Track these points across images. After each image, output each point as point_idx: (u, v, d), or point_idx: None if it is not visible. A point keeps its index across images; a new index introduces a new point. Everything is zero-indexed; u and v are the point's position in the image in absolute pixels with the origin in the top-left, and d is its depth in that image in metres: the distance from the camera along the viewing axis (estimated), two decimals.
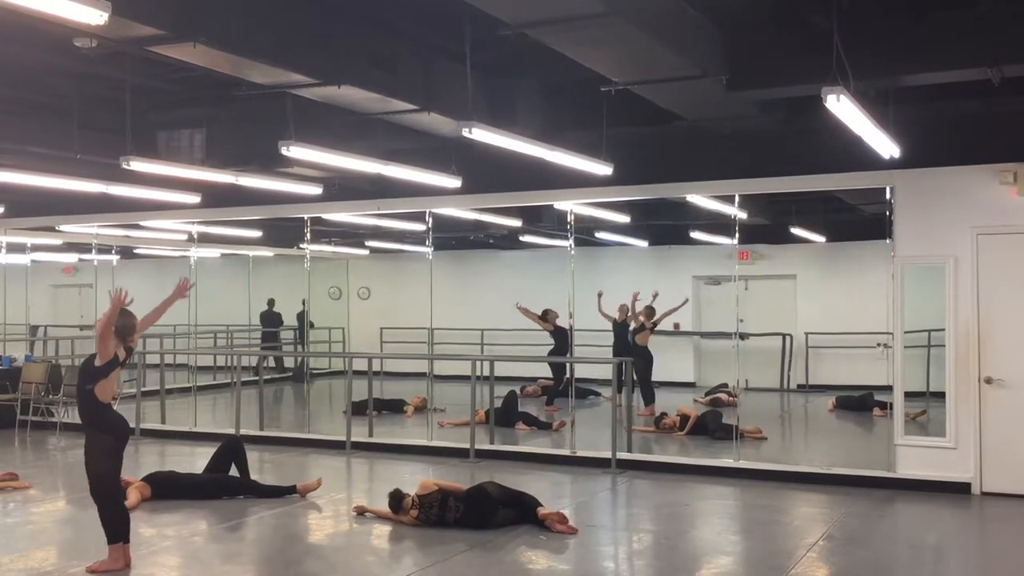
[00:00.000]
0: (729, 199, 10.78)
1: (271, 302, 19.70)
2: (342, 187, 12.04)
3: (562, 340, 14.41)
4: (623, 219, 14.87)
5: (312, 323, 19.44)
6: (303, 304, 19.52)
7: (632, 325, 14.26)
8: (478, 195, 11.42)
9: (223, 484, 8.84)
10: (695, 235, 16.37)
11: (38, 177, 10.58)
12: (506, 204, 12.53)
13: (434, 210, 12.10)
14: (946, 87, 8.07)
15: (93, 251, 15.29)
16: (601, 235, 16.71)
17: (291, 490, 8.82)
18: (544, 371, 16.15)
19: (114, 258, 16.50)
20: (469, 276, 19.69)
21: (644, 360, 14.00)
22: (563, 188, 10.73)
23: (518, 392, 14.43)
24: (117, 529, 6.45)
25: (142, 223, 14.54)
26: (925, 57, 7.30)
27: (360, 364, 13.35)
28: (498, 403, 12.38)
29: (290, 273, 17.32)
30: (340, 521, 8.20)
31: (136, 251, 18.84)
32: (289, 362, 19.53)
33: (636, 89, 7.79)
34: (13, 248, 15.55)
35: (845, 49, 6.55)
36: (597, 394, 15.34)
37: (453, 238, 17.74)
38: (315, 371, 17.88)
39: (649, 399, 13.95)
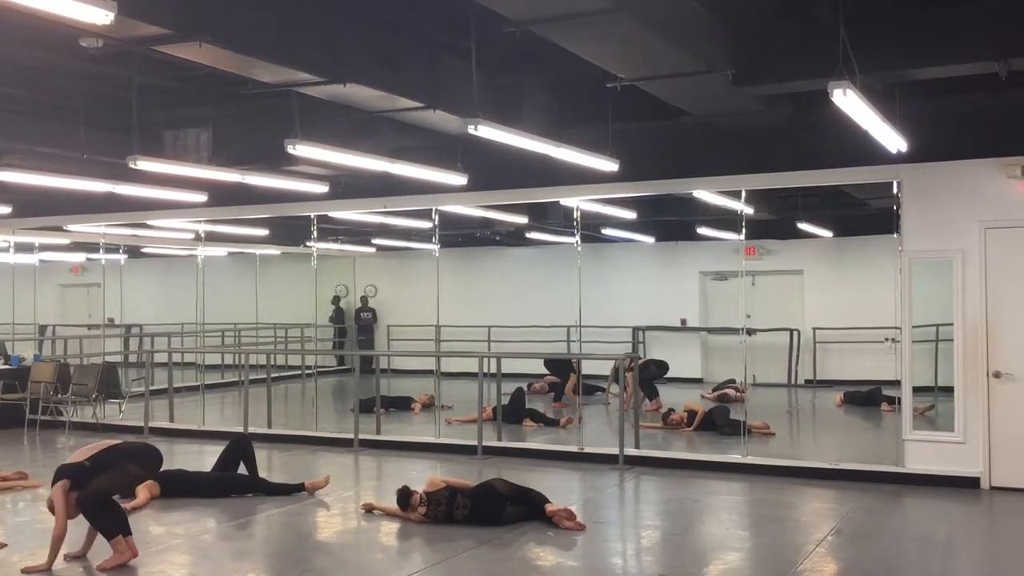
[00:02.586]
0: (736, 194, 10.78)
1: (337, 299, 20.17)
2: (348, 185, 12.06)
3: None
4: (629, 215, 14.88)
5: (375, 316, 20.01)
6: (362, 301, 20.13)
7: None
8: (484, 192, 11.42)
9: (232, 482, 8.86)
10: (702, 231, 16.38)
11: (45, 177, 10.61)
12: (512, 201, 12.54)
13: (440, 207, 12.10)
14: (954, 81, 8.03)
15: (101, 250, 15.32)
16: (607, 231, 16.70)
17: (299, 488, 8.83)
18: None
19: (121, 257, 16.56)
20: (476, 273, 19.70)
21: (657, 366, 14.33)
22: (569, 185, 10.72)
23: (525, 389, 14.47)
24: (113, 526, 6.46)
25: (149, 222, 14.58)
26: (932, 51, 7.28)
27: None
28: (505, 400, 12.39)
29: (297, 271, 17.34)
30: (348, 518, 8.22)
31: (143, 250, 18.90)
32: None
33: (642, 85, 7.78)
34: (21, 248, 15.60)
35: (851, 43, 6.54)
36: (604, 391, 15.35)
37: (459, 235, 17.76)
38: (322, 368, 17.95)
39: (652, 395, 14.01)
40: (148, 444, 7.11)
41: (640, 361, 13.96)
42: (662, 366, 14.58)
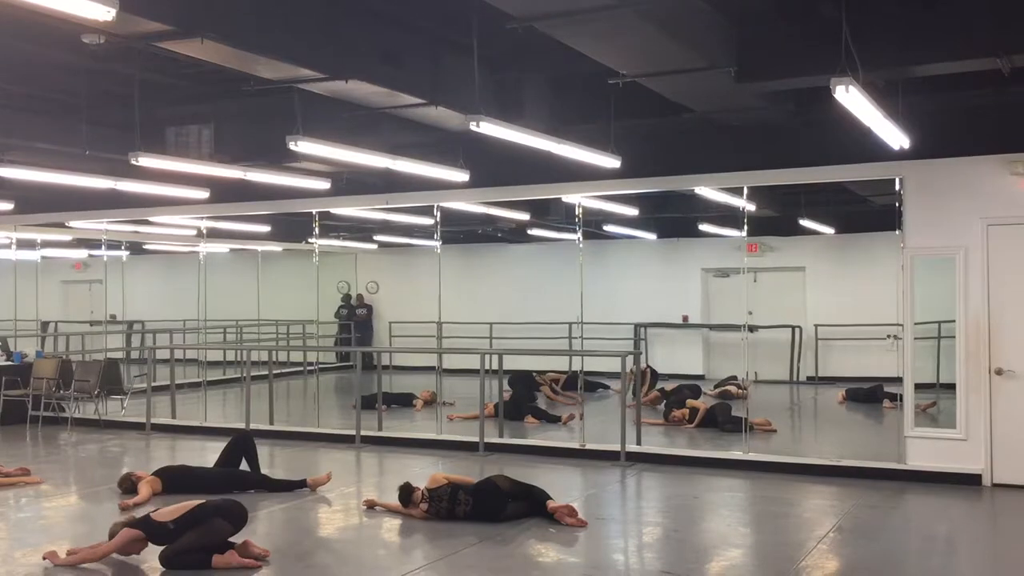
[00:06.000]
0: (738, 191, 10.77)
1: (348, 297, 20.32)
2: (350, 181, 12.06)
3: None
4: (631, 212, 14.87)
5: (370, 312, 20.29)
6: (358, 298, 20.39)
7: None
8: (486, 189, 11.42)
9: (234, 478, 8.86)
10: (704, 227, 16.37)
11: (47, 173, 10.62)
12: (514, 198, 12.54)
13: (442, 204, 12.10)
14: (956, 77, 8.03)
15: (103, 247, 15.33)
16: (609, 228, 16.71)
17: (301, 484, 8.85)
18: (553, 364, 16.11)
19: (123, 254, 16.57)
20: (477, 270, 19.71)
21: (690, 390, 14.41)
22: (571, 181, 10.71)
23: None
24: (198, 563, 6.30)
25: (151, 219, 14.59)
26: (935, 47, 7.27)
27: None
28: (507, 396, 12.39)
29: (299, 268, 17.36)
30: (350, 515, 8.22)
31: (145, 247, 18.90)
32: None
33: (644, 81, 7.78)
34: (23, 244, 15.61)
35: (854, 39, 6.53)
36: (606, 387, 15.35)
37: (461, 232, 17.76)
38: (324, 365, 17.97)
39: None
40: (234, 500, 6.91)
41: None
42: (695, 389, 14.47)
